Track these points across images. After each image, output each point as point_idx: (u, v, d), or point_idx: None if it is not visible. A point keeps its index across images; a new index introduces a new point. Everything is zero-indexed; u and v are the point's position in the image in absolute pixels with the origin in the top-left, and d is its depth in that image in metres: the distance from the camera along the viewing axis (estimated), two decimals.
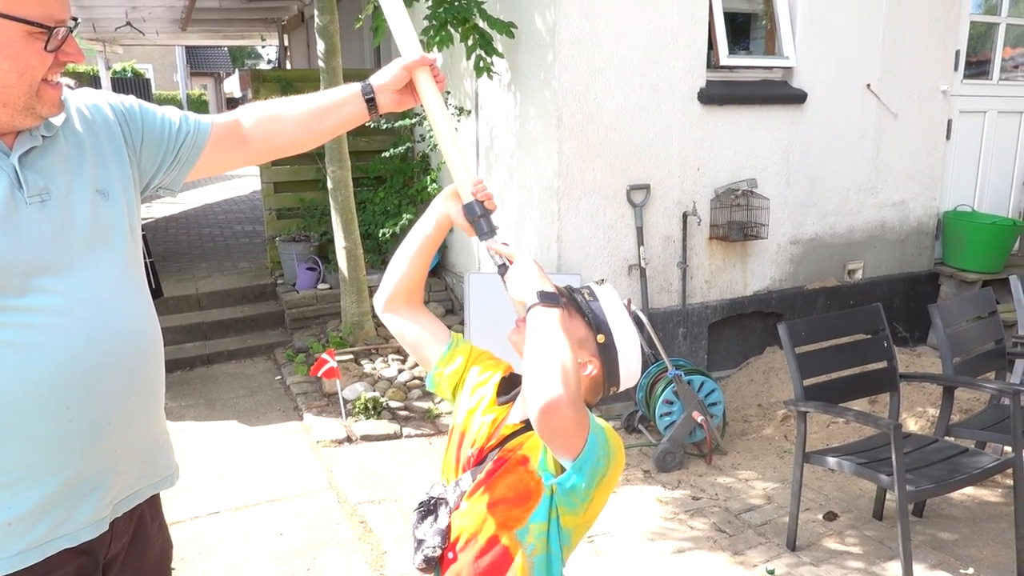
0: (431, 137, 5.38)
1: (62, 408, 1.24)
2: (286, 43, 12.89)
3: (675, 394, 3.88)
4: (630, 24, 4.24)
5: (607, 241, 4.42)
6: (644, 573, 2.97)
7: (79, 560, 1.31)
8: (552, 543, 1.28)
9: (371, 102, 1.50)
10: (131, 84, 17.40)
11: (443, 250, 5.91)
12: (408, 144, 5.86)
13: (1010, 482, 3.13)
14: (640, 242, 4.44)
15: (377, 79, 1.49)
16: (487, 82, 4.71)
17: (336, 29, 4.94)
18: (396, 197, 6.00)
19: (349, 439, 4.15)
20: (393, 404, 4.48)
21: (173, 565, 3.02)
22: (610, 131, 4.31)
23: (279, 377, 5.15)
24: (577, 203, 4.32)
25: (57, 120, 1.30)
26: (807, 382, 3.08)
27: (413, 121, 5.69)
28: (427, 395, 4.65)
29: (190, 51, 23.98)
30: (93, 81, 14.45)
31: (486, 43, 4.31)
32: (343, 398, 4.43)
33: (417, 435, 4.22)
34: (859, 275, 5.28)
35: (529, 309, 1.24)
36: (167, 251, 7.64)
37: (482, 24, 4.29)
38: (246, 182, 13.29)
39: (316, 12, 4.91)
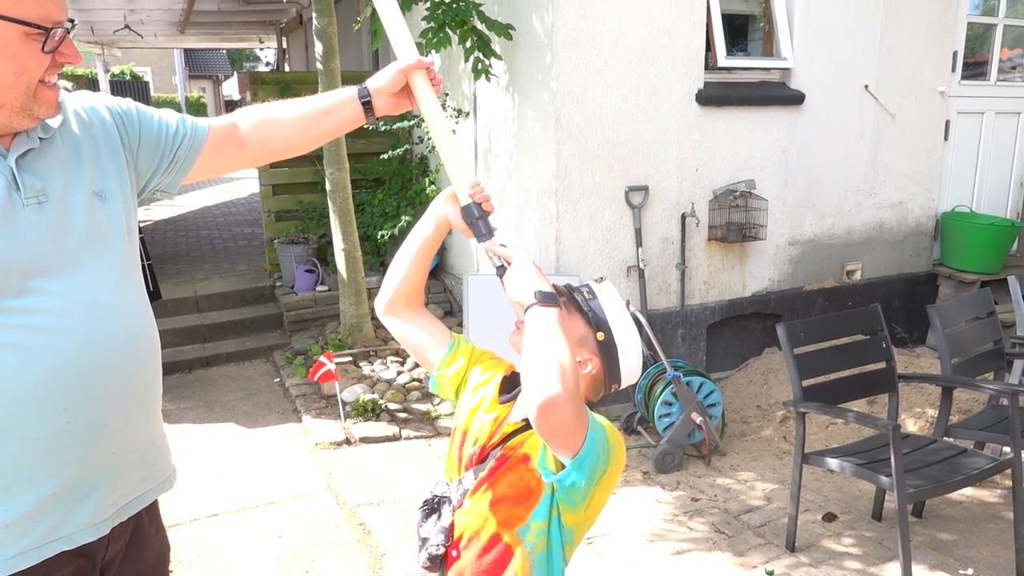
0: (429, 139, 5.38)
1: (59, 410, 1.24)
2: (284, 46, 12.90)
3: (674, 395, 3.88)
4: (628, 26, 4.24)
5: (605, 243, 4.42)
6: (644, 574, 2.97)
7: (77, 562, 1.31)
8: (553, 540, 1.29)
9: (368, 105, 1.50)
10: (129, 87, 17.41)
11: (442, 252, 5.91)
12: (407, 146, 5.86)
13: (1009, 483, 3.13)
14: (639, 243, 4.44)
15: (374, 82, 1.50)
16: (485, 84, 4.71)
17: (334, 31, 4.95)
18: (395, 199, 6.01)
19: (348, 441, 4.15)
20: (392, 406, 4.48)
21: (171, 567, 3.02)
22: (608, 132, 4.31)
23: (278, 379, 5.14)
24: (575, 205, 4.32)
25: (54, 122, 1.30)
26: (806, 383, 3.08)
27: (412, 123, 5.69)
28: (426, 397, 4.64)
29: (188, 54, 23.99)
30: (92, 84, 14.45)
31: (484, 45, 4.31)
32: (342, 400, 4.43)
33: (416, 437, 4.22)
34: (857, 276, 5.29)
35: (527, 309, 1.25)
36: (165, 253, 7.64)
37: (480, 26, 4.30)
38: (244, 184, 13.28)
39: (314, 15, 4.91)
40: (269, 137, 1.53)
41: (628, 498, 3.56)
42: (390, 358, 5.10)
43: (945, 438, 3.24)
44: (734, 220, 4.61)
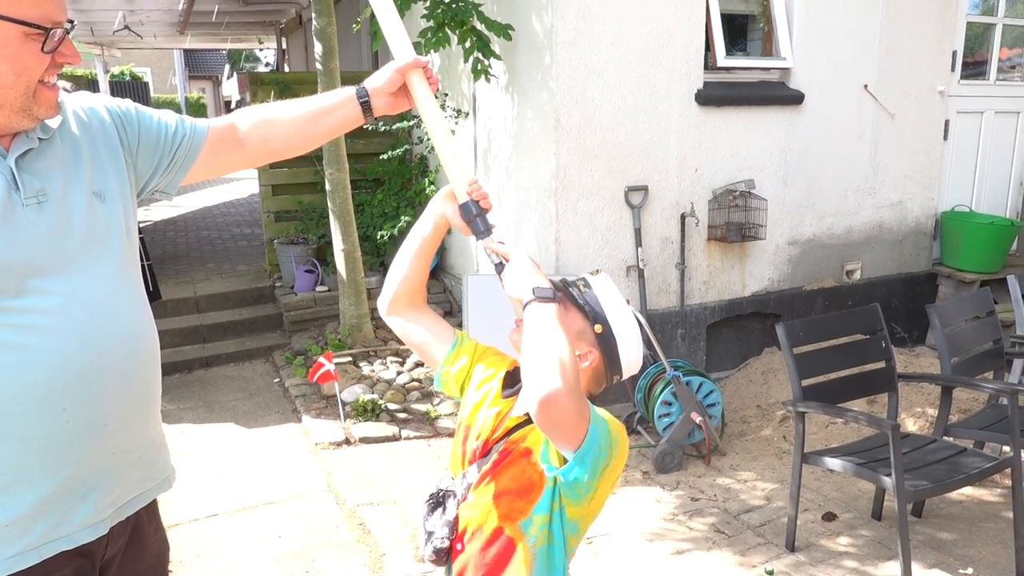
0: (429, 140, 5.38)
1: (59, 409, 1.24)
2: (284, 46, 12.90)
3: (673, 395, 3.88)
4: (627, 26, 4.24)
5: (605, 243, 4.42)
6: (643, 574, 2.97)
7: (76, 562, 1.31)
8: (555, 534, 1.29)
9: (366, 105, 1.50)
10: (129, 87, 17.41)
11: (441, 252, 5.91)
12: (406, 146, 5.86)
13: (1008, 482, 3.13)
14: (638, 243, 4.44)
15: (372, 82, 1.50)
16: (485, 84, 4.71)
17: (334, 32, 4.95)
18: (394, 199, 6.01)
19: (348, 441, 4.15)
20: (391, 406, 4.48)
21: (171, 567, 3.02)
22: (608, 132, 4.31)
23: (278, 380, 5.14)
24: (575, 205, 4.32)
25: (53, 123, 1.30)
26: (805, 382, 3.08)
27: (411, 123, 5.69)
28: (425, 397, 4.64)
29: (188, 54, 23.99)
30: (91, 85, 14.45)
31: (484, 45, 4.32)
32: (341, 400, 4.43)
33: (416, 437, 4.22)
34: (857, 276, 5.29)
35: (525, 306, 1.25)
36: (165, 254, 7.64)
37: (479, 26, 4.30)
38: (244, 185, 13.28)
39: (314, 15, 4.91)
40: (268, 137, 1.53)
41: (628, 498, 3.56)
42: (390, 358, 5.10)
43: (945, 437, 3.24)
44: (734, 220, 4.61)
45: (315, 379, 4.31)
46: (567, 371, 1.16)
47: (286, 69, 12.71)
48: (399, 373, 4.89)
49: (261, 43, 15.51)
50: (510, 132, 4.71)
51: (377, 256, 6.09)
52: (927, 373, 4.34)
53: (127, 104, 1.46)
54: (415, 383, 4.77)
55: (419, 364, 5.04)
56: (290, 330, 5.76)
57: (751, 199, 4.60)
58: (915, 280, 5.51)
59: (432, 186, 5.73)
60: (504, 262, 1.35)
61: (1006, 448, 3.22)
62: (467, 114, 5.19)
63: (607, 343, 1.35)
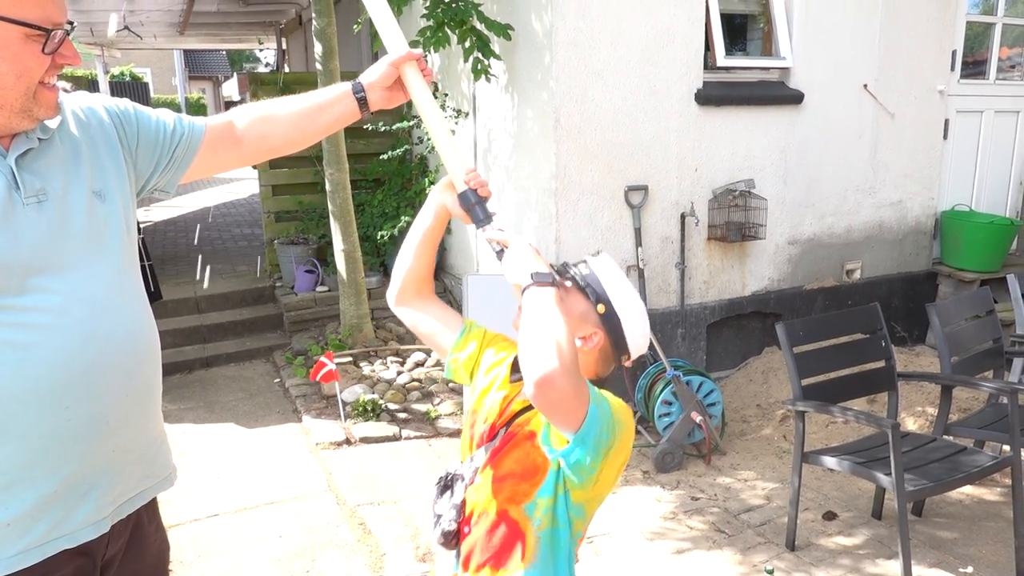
0: (429, 139, 5.38)
1: (60, 408, 1.24)
2: (284, 46, 12.90)
3: (674, 394, 3.89)
4: (627, 26, 4.25)
5: (605, 242, 4.42)
6: (644, 573, 2.97)
7: (77, 561, 1.32)
8: (560, 517, 1.29)
9: (362, 100, 1.52)
10: (129, 88, 17.42)
11: (441, 252, 5.91)
12: (406, 146, 5.87)
13: (1008, 481, 3.14)
14: (638, 243, 4.44)
15: (367, 77, 1.51)
16: (484, 84, 4.71)
17: (334, 32, 4.95)
18: (394, 199, 6.01)
19: (348, 441, 4.15)
20: (392, 406, 4.48)
21: (172, 567, 3.02)
22: (608, 132, 4.31)
23: (278, 380, 5.15)
24: (575, 204, 4.32)
25: (53, 123, 1.31)
26: (805, 382, 3.08)
27: (411, 123, 5.69)
28: (426, 397, 4.65)
29: (188, 55, 24.00)
30: (91, 85, 14.46)
31: (483, 45, 4.32)
32: (342, 400, 4.43)
33: (416, 437, 4.22)
34: (857, 275, 5.29)
35: (524, 290, 1.26)
36: (166, 254, 7.64)
37: (479, 26, 4.30)
38: (244, 185, 13.29)
39: (314, 15, 4.91)
40: (265, 135, 1.54)
41: (628, 497, 3.56)
42: (390, 358, 5.11)
43: (945, 436, 3.24)
44: (733, 219, 4.61)
45: (317, 378, 4.32)
46: (563, 352, 1.16)
47: (286, 69, 12.71)
48: (399, 373, 4.89)
49: (261, 43, 15.50)
50: (510, 132, 4.71)
51: (377, 256, 6.09)
52: (927, 372, 4.35)
53: (125, 103, 1.46)
54: (415, 383, 4.77)
55: (419, 364, 5.04)
56: (290, 330, 5.76)
57: (751, 199, 4.61)
58: (915, 279, 5.51)
59: (432, 186, 5.73)
60: (504, 249, 1.36)
61: (1006, 447, 3.22)
62: (467, 114, 5.19)
63: (611, 323, 1.35)
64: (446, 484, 1.41)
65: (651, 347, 3.98)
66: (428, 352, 5.17)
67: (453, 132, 4.38)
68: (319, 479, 3.76)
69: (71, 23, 1.26)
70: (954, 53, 5.35)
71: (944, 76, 5.31)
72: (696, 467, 3.89)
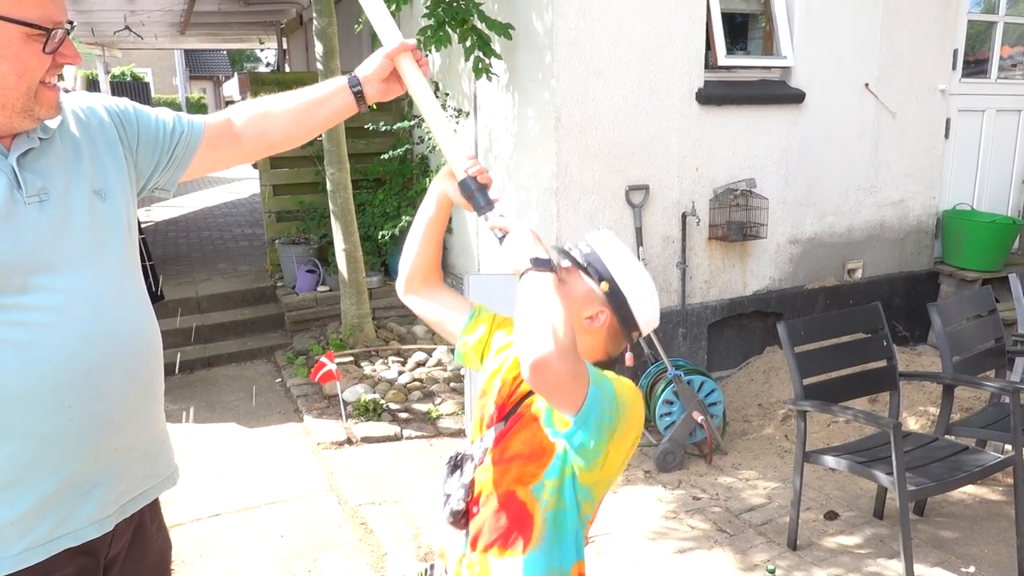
0: (430, 139, 5.38)
1: (63, 406, 1.24)
2: (285, 46, 12.90)
3: (675, 394, 3.88)
4: (628, 25, 4.24)
5: None
6: (645, 573, 2.97)
7: (80, 560, 1.32)
8: (567, 499, 1.29)
9: (359, 94, 1.52)
10: (130, 88, 17.44)
11: (443, 252, 5.90)
12: (407, 146, 5.86)
13: (1011, 480, 3.13)
14: (639, 242, 4.44)
15: (362, 70, 1.52)
16: (485, 83, 4.71)
17: (334, 32, 4.95)
18: (395, 199, 6.01)
19: (349, 441, 4.15)
20: (393, 406, 4.48)
21: (174, 567, 3.02)
22: (608, 132, 4.31)
23: (279, 379, 5.15)
24: (576, 204, 4.32)
25: (53, 123, 1.31)
26: (807, 381, 3.08)
27: (412, 123, 5.69)
28: (427, 397, 4.65)
29: (189, 55, 24.01)
30: (92, 85, 14.48)
31: (484, 44, 4.32)
32: (343, 400, 4.43)
33: (417, 436, 4.22)
34: (859, 274, 5.29)
35: (522, 275, 1.25)
36: (167, 254, 7.64)
37: (480, 25, 4.30)
38: (245, 185, 13.29)
39: (315, 15, 4.92)
40: (264, 131, 1.54)
41: (630, 497, 3.56)
42: (391, 358, 5.11)
43: (946, 436, 3.24)
44: (735, 219, 4.61)
45: (317, 379, 4.32)
46: (559, 335, 1.15)
47: (287, 69, 12.71)
48: (400, 373, 4.89)
49: (262, 43, 15.51)
50: (511, 131, 4.71)
51: (378, 256, 6.09)
52: (929, 372, 4.34)
53: (125, 103, 1.46)
54: (417, 383, 4.77)
55: (420, 364, 5.04)
56: (291, 330, 5.76)
57: (752, 198, 4.60)
58: (916, 279, 5.50)
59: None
60: (506, 236, 1.36)
61: (1008, 447, 3.22)
62: (468, 113, 5.19)
63: (617, 300, 1.34)
64: (456, 464, 1.41)
65: (652, 346, 3.98)
66: (429, 352, 5.17)
67: (455, 131, 4.38)
68: (320, 479, 3.76)
69: (71, 22, 1.26)
70: (955, 52, 5.34)
71: (945, 75, 5.30)
72: (698, 467, 3.89)
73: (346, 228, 5.10)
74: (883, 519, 3.30)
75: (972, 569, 2.95)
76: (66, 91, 1.42)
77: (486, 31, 4.31)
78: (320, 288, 5.97)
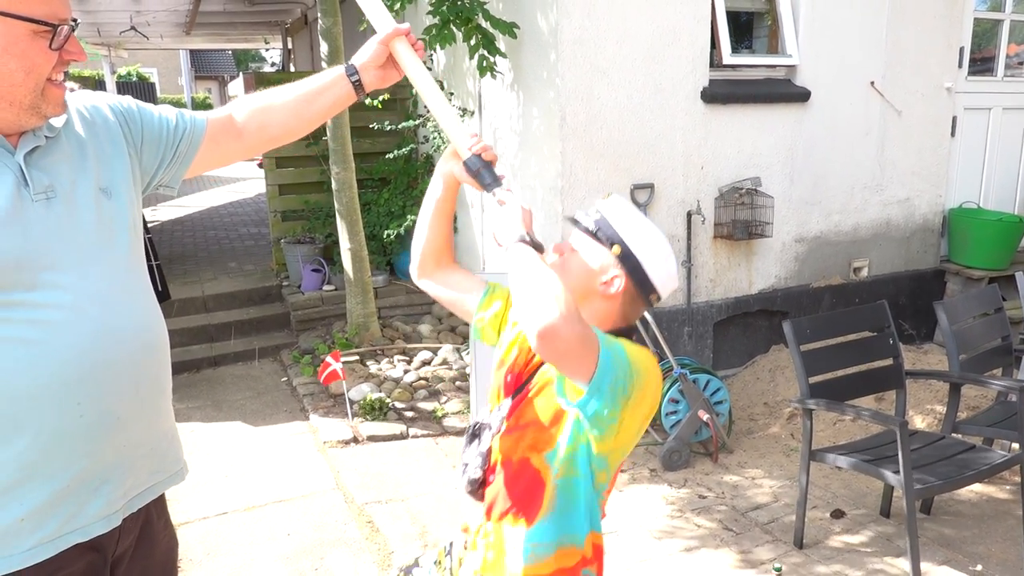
0: (435, 138, 5.39)
1: (72, 403, 1.25)
2: (289, 46, 12.93)
3: (680, 393, 3.88)
4: (633, 24, 4.24)
5: None
6: (652, 571, 2.97)
7: (89, 557, 1.33)
8: (580, 467, 1.28)
9: (357, 83, 1.53)
10: (136, 88, 17.50)
11: None
12: (412, 145, 5.87)
13: (1018, 479, 3.13)
14: None
15: (359, 59, 1.53)
16: (490, 82, 4.71)
17: (339, 31, 4.96)
18: (400, 198, 6.02)
19: (355, 440, 4.16)
20: (399, 405, 4.49)
21: (182, 565, 3.03)
22: (613, 131, 4.31)
23: (285, 378, 5.16)
24: (581, 203, 4.32)
25: (58, 121, 1.32)
26: (813, 380, 3.07)
27: (416, 123, 5.70)
28: (433, 396, 4.65)
29: (194, 55, 24.08)
30: (98, 85, 14.52)
31: (489, 43, 4.32)
32: (349, 399, 4.44)
33: (423, 435, 4.23)
34: (864, 273, 5.28)
35: (508, 251, 1.26)
36: (173, 254, 7.67)
37: (485, 24, 4.30)
38: (251, 185, 13.32)
39: (319, 15, 4.93)
40: (265, 124, 1.55)
41: (635, 496, 3.56)
42: (397, 357, 5.12)
43: (953, 434, 3.23)
44: (740, 218, 4.61)
45: (322, 379, 4.33)
46: (561, 301, 1.14)
47: (292, 69, 12.73)
48: (406, 372, 4.90)
49: (267, 43, 15.55)
50: (516, 130, 4.71)
51: (384, 255, 6.10)
52: (935, 370, 4.33)
53: (128, 101, 1.47)
54: (422, 381, 4.78)
55: (426, 363, 5.05)
56: (297, 329, 5.78)
57: (757, 197, 4.60)
58: (923, 277, 5.49)
59: None
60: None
61: (1015, 445, 3.21)
62: (473, 112, 5.19)
63: (630, 263, 1.32)
64: (474, 433, 1.41)
65: (657, 345, 3.98)
66: (435, 351, 5.18)
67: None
68: (327, 477, 3.77)
69: (75, 20, 1.27)
70: (961, 50, 5.32)
71: (951, 73, 5.29)
72: (703, 465, 3.88)
73: (351, 227, 5.11)
74: (890, 517, 3.30)
75: (979, 568, 2.94)
76: (71, 90, 1.43)
77: (491, 30, 4.31)
78: (326, 287, 5.98)
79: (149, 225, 5.97)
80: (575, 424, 1.27)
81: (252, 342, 5.72)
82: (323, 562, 3.07)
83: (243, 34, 13.99)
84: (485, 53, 4.33)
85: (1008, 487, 3.55)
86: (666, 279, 1.35)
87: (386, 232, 5.72)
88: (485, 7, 4.28)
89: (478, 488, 1.37)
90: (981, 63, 5.61)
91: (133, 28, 10.21)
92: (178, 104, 20.35)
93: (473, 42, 4.32)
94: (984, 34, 5.60)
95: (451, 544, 1.51)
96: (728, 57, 4.58)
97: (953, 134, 5.43)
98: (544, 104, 4.35)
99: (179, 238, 8.76)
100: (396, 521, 3.36)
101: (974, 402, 4.14)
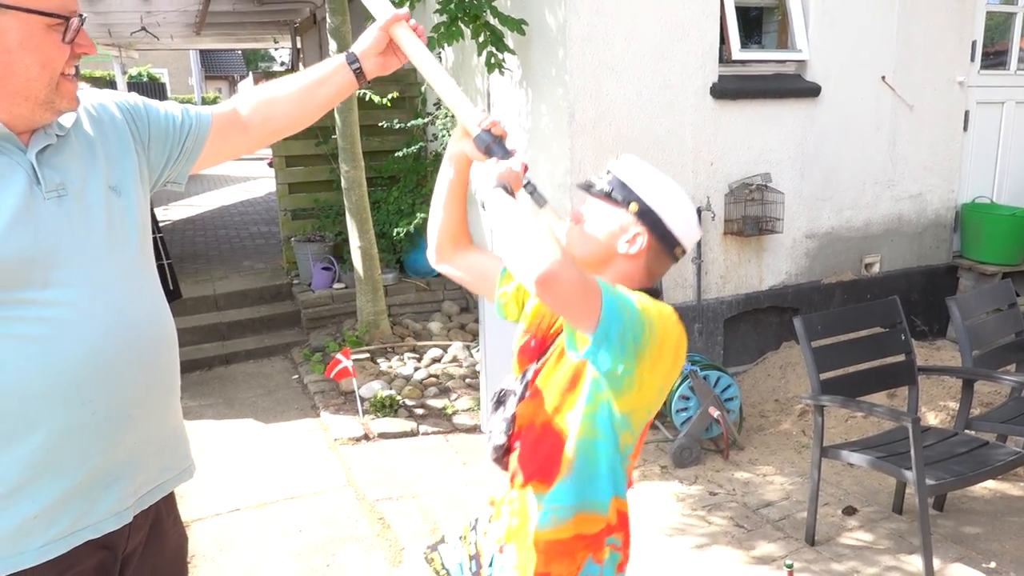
0: (444, 136, 5.39)
1: (84, 401, 1.26)
2: (299, 45, 12.96)
3: (691, 389, 3.87)
4: (641, 20, 4.23)
5: None
6: (663, 568, 2.97)
7: (100, 554, 1.34)
8: (601, 427, 1.26)
9: (358, 70, 1.53)
10: (147, 88, 17.61)
11: None
12: (421, 143, 5.88)
13: None
14: None
15: (359, 46, 1.53)
16: (499, 79, 4.71)
17: (348, 30, 4.97)
18: (410, 196, 6.03)
19: (366, 437, 4.17)
20: (409, 402, 4.50)
21: (195, 562, 3.06)
22: (622, 127, 4.30)
23: (296, 376, 5.18)
24: None
25: (68, 120, 1.32)
26: (824, 376, 3.06)
27: (426, 121, 5.71)
28: (443, 393, 4.66)
29: (204, 55, 24.20)
30: (109, 86, 14.61)
31: (497, 40, 4.32)
32: (360, 396, 4.46)
33: (433, 432, 4.24)
34: (876, 269, 5.24)
35: (486, 202, 1.25)
36: (184, 253, 7.71)
37: (493, 21, 4.30)
38: (261, 184, 13.38)
39: (328, 13, 4.94)
40: (270, 116, 1.56)
41: (646, 492, 3.56)
42: (407, 354, 5.13)
43: (966, 431, 3.21)
44: (750, 214, 4.59)
45: (332, 375, 4.35)
46: (551, 245, 1.12)
47: (301, 68, 12.76)
48: (416, 369, 4.91)
49: (276, 43, 15.59)
50: (524, 128, 4.71)
51: (393, 253, 6.11)
52: (948, 366, 4.30)
53: (135, 98, 1.48)
54: (432, 379, 4.79)
55: (436, 360, 5.06)
56: (308, 327, 5.80)
57: (767, 192, 4.58)
58: (935, 273, 5.45)
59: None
60: (531, 182, 1.34)
61: None
62: (481, 110, 5.19)
63: (650, 218, 1.30)
64: (499, 400, 1.40)
65: None
66: (445, 348, 5.19)
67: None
68: (338, 474, 3.79)
69: (81, 16, 1.28)
70: (974, 43, 5.28)
71: (964, 67, 5.24)
72: (714, 462, 3.88)
73: (361, 225, 5.13)
74: (902, 514, 3.28)
75: (993, 564, 2.92)
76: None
77: (499, 27, 4.31)
78: (336, 285, 6.00)
79: (161, 224, 6.01)
80: (593, 383, 1.25)
81: (263, 340, 5.75)
82: (334, 558, 3.08)
83: (252, 34, 14.03)
84: (493, 50, 4.33)
85: (1022, 484, 3.53)
86: (688, 229, 1.34)
87: (396, 230, 5.73)
88: (493, 4, 4.27)
89: (503, 455, 1.36)
90: (994, 57, 5.56)
91: (144, 29, 10.26)
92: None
93: (481, 39, 4.32)
94: (997, 27, 5.55)
95: (476, 519, 1.51)
96: (737, 52, 4.56)
97: (965, 128, 5.39)
98: (553, 101, 4.35)
99: (190, 237, 8.81)
100: (407, 518, 3.37)
101: (987, 398, 4.11)
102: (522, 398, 1.36)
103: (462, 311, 5.88)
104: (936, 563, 2.80)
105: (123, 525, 1.36)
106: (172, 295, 4.99)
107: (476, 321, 5.27)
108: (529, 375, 1.37)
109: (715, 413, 3.84)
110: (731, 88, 4.52)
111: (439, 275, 6.07)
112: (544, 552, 1.30)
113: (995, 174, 5.68)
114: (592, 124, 4.23)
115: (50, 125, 1.28)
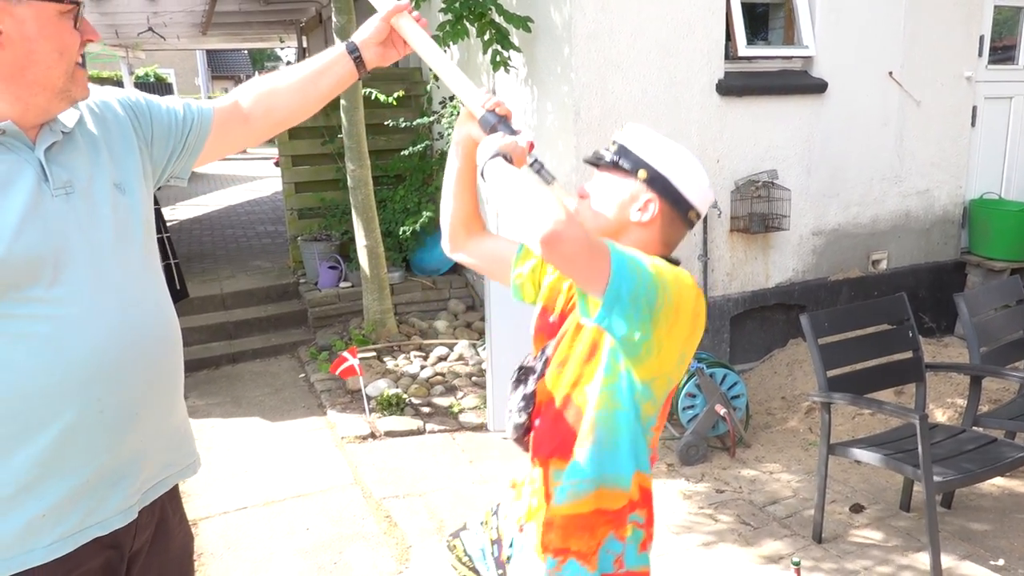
0: (449, 134, 5.40)
1: (93, 399, 1.26)
2: (304, 45, 12.99)
3: (697, 387, 3.87)
4: (646, 17, 4.22)
5: None
6: (670, 566, 2.97)
7: (106, 553, 1.34)
8: (622, 399, 1.24)
9: (358, 60, 1.54)
10: (154, 88, 17.67)
11: None
12: (426, 142, 5.88)
13: None
14: None
15: (359, 36, 1.54)
16: (504, 77, 4.71)
17: (354, 29, 4.94)
18: (416, 195, 6.03)
19: (373, 435, 4.18)
20: (416, 400, 4.51)
21: (203, 560, 3.07)
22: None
23: (303, 375, 5.20)
24: None
25: (71, 119, 1.33)
26: (831, 373, 3.05)
27: (431, 119, 5.71)
28: (449, 391, 4.67)
29: (211, 55, 24.25)
30: (117, 86, 14.67)
31: (502, 38, 4.32)
32: (366, 395, 4.46)
33: (440, 431, 4.24)
34: (883, 265, 5.22)
35: (483, 171, 1.23)
36: (191, 252, 7.73)
37: (498, 19, 4.30)
38: (267, 183, 13.41)
39: (334, 13, 4.94)
40: (271, 108, 1.56)
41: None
42: (413, 353, 5.14)
43: (974, 428, 3.20)
44: (756, 211, 4.57)
45: (337, 373, 4.36)
46: (554, 205, 1.11)
47: None
48: (423, 368, 4.92)
49: (282, 42, 15.63)
50: (530, 126, 4.70)
51: (400, 252, 6.12)
52: (956, 363, 4.28)
53: (137, 95, 1.49)
54: (439, 377, 4.80)
55: (442, 359, 5.06)
56: (314, 326, 5.81)
57: (774, 189, 4.57)
58: (943, 269, 5.43)
59: None
60: (539, 160, 1.33)
61: None
62: (486, 90, 5.18)
63: (661, 184, 1.29)
64: (519, 378, 1.39)
65: None
66: (451, 347, 5.19)
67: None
68: (345, 472, 3.80)
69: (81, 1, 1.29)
70: (981, 39, 5.25)
71: (971, 62, 5.21)
72: (721, 460, 3.87)
73: (367, 224, 5.14)
74: (910, 512, 3.27)
75: (1001, 562, 2.91)
76: None
77: (504, 24, 4.31)
78: (342, 284, 6.01)
79: (168, 224, 6.03)
80: (611, 353, 1.23)
81: (270, 339, 5.77)
82: (341, 556, 3.09)
83: (258, 33, 14.06)
84: (498, 48, 4.33)
85: None
86: (700, 192, 1.33)
87: (402, 229, 5.74)
88: (499, 2, 4.27)
89: (523, 435, 1.35)
90: (1002, 51, 5.53)
91: (150, 29, 10.29)
92: None
93: (487, 37, 4.32)
94: (1005, 22, 5.52)
95: (498, 504, 1.50)
96: (743, 49, 4.55)
97: (973, 124, 5.36)
98: (558, 99, 4.34)
99: (197, 236, 8.83)
100: (414, 516, 3.38)
101: (996, 395, 4.09)
102: (541, 375, 1.35)
103: (468, 309, 5.88)
104: (944, 560, 2.79)
105: (129, 522, 1.36)
106: (179, 294, 5.00)
107: (482, 319, 5.27)
108: (548, 351, 1.36)
109: (722, 411, 3.83)
110: (737, 85, 4.51)
111: (445, 273, 6.12)
112: (563, 527, 1.28)
113: (1003, 169, 5.65)
114: (598, 121, 4.23)
115: (55, 122, 1.29)
